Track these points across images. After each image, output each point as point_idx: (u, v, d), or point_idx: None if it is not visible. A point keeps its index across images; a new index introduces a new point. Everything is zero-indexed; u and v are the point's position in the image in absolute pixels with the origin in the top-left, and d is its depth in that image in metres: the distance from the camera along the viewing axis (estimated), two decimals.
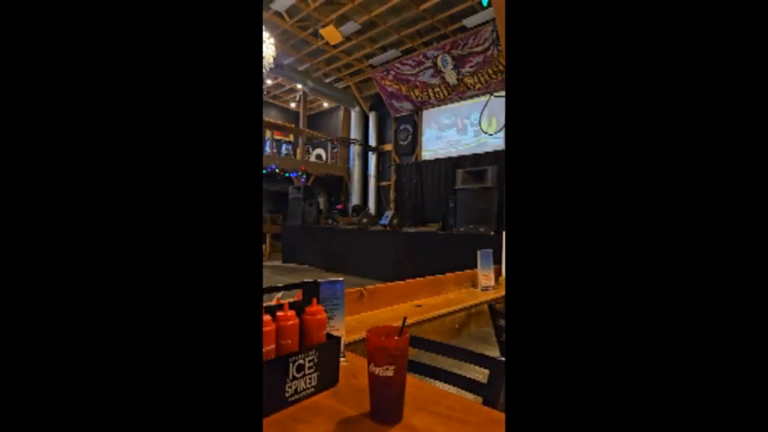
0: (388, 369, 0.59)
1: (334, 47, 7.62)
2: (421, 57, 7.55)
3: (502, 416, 0.65)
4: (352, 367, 0.80)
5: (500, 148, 6.83)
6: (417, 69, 7.81)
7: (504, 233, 1.89)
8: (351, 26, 6.85)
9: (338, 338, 0.76)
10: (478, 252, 1.71)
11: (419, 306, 1.41)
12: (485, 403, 0.81)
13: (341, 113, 10.45)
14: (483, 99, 6.89)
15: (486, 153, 7.29)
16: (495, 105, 2.24)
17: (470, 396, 0.83)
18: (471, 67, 7.10)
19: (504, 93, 2.02)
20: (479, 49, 6.77)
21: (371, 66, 8.47)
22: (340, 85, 9.68)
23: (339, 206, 9.80)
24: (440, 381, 0.90)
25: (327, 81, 9.47)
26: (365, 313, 1.31)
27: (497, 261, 1.84)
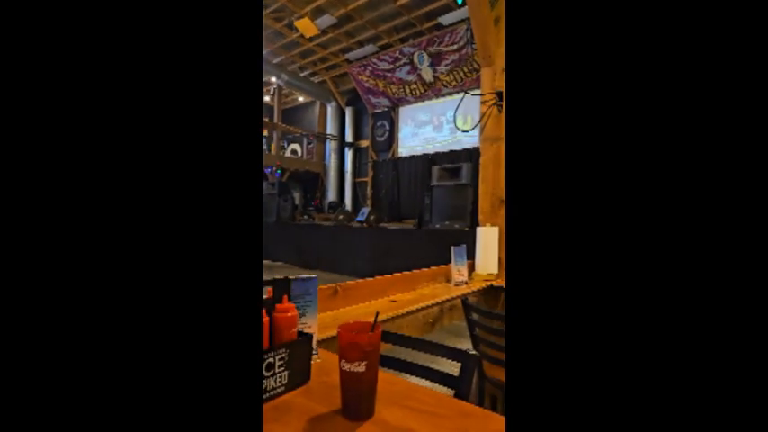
0: (359, 365, 0.58)
1: (310, 40, 7.51)
2: (398, 53, 7.55)
3: (472, 408, 0.66)
4: (325, 364, 0.80)
5: (474, 146, 6.95)
6: (394, 65, 7.81)
7: (477, 229, 1.92)
8: (327, 19, 6.76)
9: (310, 336, 0.75)
10: (452, 248, 1.73)
11: (394, 301, 1.42)
12: (456, 396, 0.83)
13: (317, 108, 10.33)
14: (458, 97, 6.98)
15: (461, 150, 7.40)
16: (470, 103, 2.28)
17: (444, 389, 0.84)
18: (447, 65, 7.17)
19: (479, 91, 2.05)
20: (455, 47, 6.84)
21: (348, 60, 8.40)
22: (316, 80, 9.56)
23: (315, 202, 9.71)
24: (413, 375, 0.90)
25: (303, 75, 9.32)
26: (340, 309, 1.30)
27: (471, 256, 1.88)
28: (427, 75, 7.57)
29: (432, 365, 0.90)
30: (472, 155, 6.69)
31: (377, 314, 0.65)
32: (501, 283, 1.80)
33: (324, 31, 7.17)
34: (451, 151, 7.68)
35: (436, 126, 8.30)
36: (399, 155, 8.87)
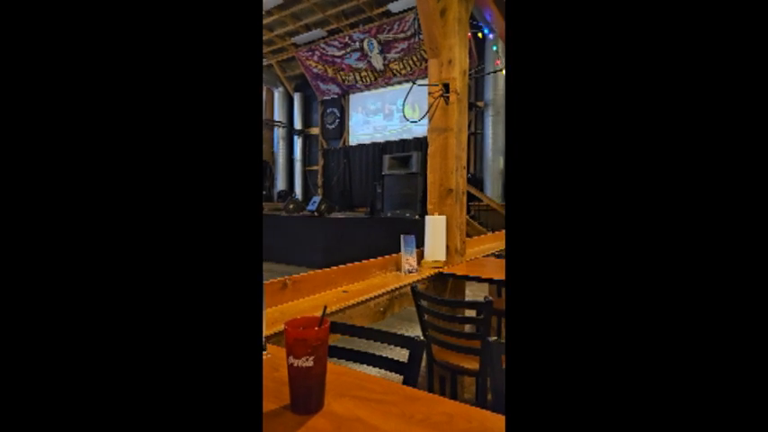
0: (307, 360, 0.58)
1: None
2: (347, 39, 7.41)
3: (419, 393, 0.69)
4: (274, 360, 0.79)
5: (424, 135, 7.07)
6: (344, 51, 7.67)
7: (426, 218, 1.98)
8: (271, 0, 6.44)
9: None
10: (402, 237, 1.77)
11: (345, 292, 1.42)
12: (405, 382, 0.86)
13: (263, 94, 9.88)
14: (409, 85, 7.04)
15: (412, 139, 7.50)
16: (419, 93, 2.31)
17: (394, 376, 0.87)
18: (397, 53, 7.17)
19: (426, 81, 2.08)
20: (404, 35, 6.85)
21: (295, 44, 8.10)
22: (262, 63, 9.10)
23: (263, 192, 9.37)
24: (364, 364, 0.92)
25: None
26: (290, 303, 1.28)
27: (420, 245, 1.93)
28: (377, 62, 7.53)
29: (382, 353, 0.92)
30: (422, 144, 6.81)
31: (324, 308, 0.66)
32: (449, 269, 1.88)
33: (269, 12, 6.83)
34: (402, 140, 7.75)
35: (387, 114, 8.31)
36: (350, 143, 8.79)
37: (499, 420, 0.60)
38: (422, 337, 0.92)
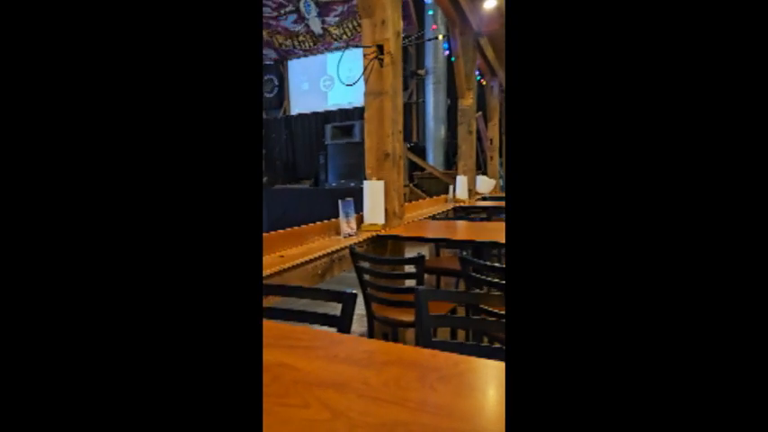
0: None
1: None
2: None
3: (345, 336, 0.73)
4: None
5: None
6: (278, 12, 7.18)
7: (364, 182, 2.00)
8: None
9: None
10: (339, 202, 1.78)
11: (281, 257, 1.42)
12: (339, 332, 0.90)
13: None
14: (349, 52, 6.85)
15: (353, 108, 7.37)
16: (360, 59, 2.27)
17: (331, 329, 0.90)
18: (336, 15, 6.87)
19: (360, 45, 2.04)
20: None
21: None
22: None
23: None
24: (299, 321, 0.94)
25: None
26: None
27: (359, 209, 1.96)
28: (315, 26, 7.17)
29: (318, 310, 0.95)
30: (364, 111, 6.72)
31: None
32: (387, 232, 1.93)
33: None
34: (344, 109, 7.59)
35: (328, 82, 8.04)
36: (291, 112, 8.44)
37: (414, 351, 0.65)
38: (352, 291, 0.95)
